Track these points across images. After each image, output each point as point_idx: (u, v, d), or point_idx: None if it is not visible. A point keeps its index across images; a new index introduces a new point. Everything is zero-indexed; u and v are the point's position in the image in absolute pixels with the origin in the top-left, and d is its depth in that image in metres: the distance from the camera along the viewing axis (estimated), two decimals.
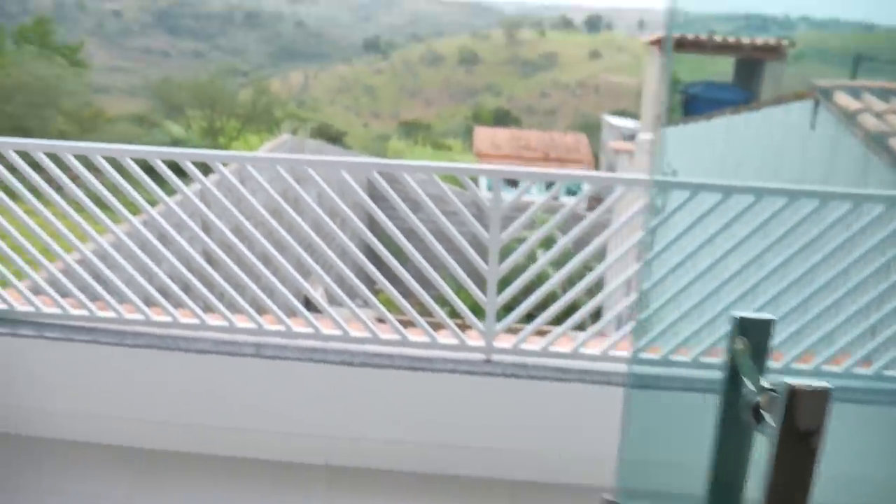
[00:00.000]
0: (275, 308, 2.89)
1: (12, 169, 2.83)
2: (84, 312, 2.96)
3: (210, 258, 2.94)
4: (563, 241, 2.68)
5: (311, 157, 2.76)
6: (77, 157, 2.79)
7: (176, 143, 18.77)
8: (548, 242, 15.22)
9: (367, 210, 2.78)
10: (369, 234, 2.80)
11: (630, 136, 27.16)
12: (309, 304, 4.11)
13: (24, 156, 2.80)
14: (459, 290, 2.92)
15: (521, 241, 2.88)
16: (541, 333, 2.89)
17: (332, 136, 39.98)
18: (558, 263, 3.07)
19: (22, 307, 3.00)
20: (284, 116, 28.86)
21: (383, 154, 30.62)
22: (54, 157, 2.80)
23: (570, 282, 2.96)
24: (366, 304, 2.88)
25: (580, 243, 2.90)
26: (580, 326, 2.95)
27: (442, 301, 3.00)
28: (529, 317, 2.92)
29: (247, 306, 2.89)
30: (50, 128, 17.16)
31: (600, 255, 3.18)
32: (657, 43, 12.10)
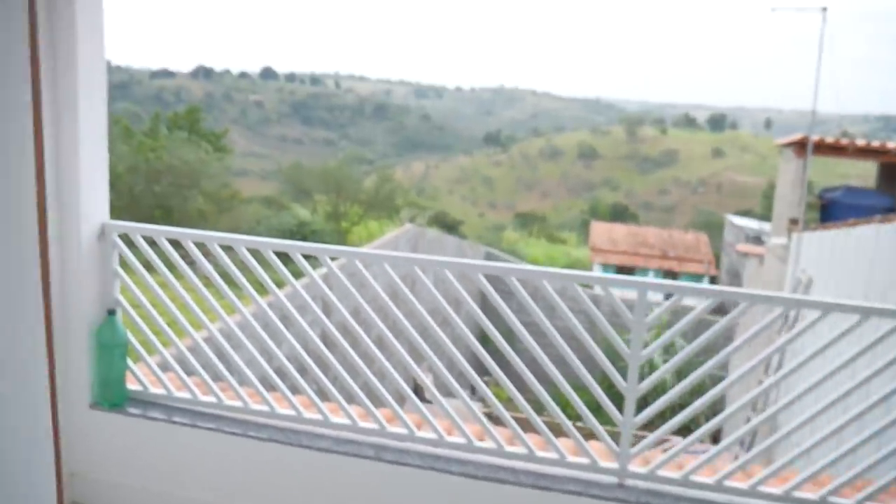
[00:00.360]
0: (392, 402, 2.80)
1: (151, 242, 2.97)
2: (212, 399, 2.98)
3: (327, 340, 2.91)
4: (710, 365, 2.47)
5: (449, 259, 2.70)
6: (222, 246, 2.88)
7: (301, 225, 19.61)
8: (673, 350, 14.57)
9: (484, 292, 2.69)
10: (489, 325, 2.70)
11: (755, 238, 26.14)
12: (418, 392, 4.00)
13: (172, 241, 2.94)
14: (576, 389, 2.74)
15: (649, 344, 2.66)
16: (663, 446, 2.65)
17: (449, 225, 40.79)
18: (686, 375, 2.82)
19: (154, 389, 3.05)
20: (404, 204, 29.71)
21: (497, 243, 30.79)
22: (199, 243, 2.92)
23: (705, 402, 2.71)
24: (474, 392, 2.75)
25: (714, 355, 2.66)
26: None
27: (560, 399, 2.81)
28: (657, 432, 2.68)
29: (367, 401, 2.82)
30: (190, 207, 18.38)
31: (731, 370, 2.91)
32: (791, 145, 11.67)
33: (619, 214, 59.06)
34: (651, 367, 13.49)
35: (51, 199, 2.77)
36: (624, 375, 2.60)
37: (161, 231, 2.95)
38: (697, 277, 30.45)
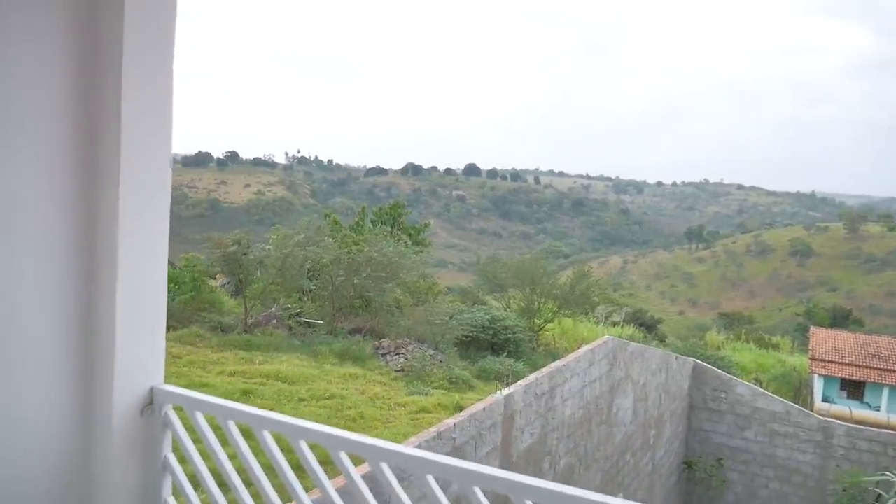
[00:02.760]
0: None
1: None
2: None
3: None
4: None
5: None
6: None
7: (494, 321, 19.40)
8: None
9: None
10: None
11: None
12: None
13: None
14: None
15: None
16: None
17: (647, 324, 38.90)
18: None
19: None
20: (601, 301, 28.70)
21: (700, 347, 28.56)
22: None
23: None
24: None
25: None
26: None
27: None
28: None
29: None
30: (388, 297, 18.90)
31: None
32: None
33: (840, 319, 53.20)
34: None
35: (92, 362, 2.07)
36: None
37: (231, 411, 2.11)
38: None
